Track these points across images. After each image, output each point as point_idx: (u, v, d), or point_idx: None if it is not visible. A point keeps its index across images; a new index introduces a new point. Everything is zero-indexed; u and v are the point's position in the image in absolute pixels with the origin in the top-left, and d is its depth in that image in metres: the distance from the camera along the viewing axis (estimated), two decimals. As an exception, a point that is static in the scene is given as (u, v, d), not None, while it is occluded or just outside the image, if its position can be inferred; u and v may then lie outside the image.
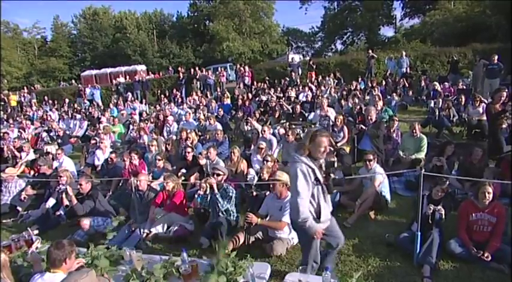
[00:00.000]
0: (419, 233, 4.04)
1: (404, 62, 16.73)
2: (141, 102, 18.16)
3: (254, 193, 5.73)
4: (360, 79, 16.48)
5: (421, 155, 7.01)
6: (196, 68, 20.59)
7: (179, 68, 21.57)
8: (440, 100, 10.75)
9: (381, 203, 5.51)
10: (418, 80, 15.39)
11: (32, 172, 8.55)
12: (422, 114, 11.44)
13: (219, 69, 22.27)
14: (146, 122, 12.24)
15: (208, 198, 5.21)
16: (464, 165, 6.19)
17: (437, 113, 9.52)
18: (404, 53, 17.22)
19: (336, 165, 3.42)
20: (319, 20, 44.57)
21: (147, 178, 6.23)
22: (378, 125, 7.15)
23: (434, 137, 8.82)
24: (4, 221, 6.64)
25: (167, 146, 8.66)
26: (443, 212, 4.26)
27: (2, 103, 20.44)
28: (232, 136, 10.79)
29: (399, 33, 38.91)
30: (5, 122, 15.99)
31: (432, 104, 11.09)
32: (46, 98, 22.01)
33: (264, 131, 8.33)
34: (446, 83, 14.11)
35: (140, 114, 14.73)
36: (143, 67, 30.84)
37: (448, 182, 4.66)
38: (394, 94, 12.99)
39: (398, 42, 34.81)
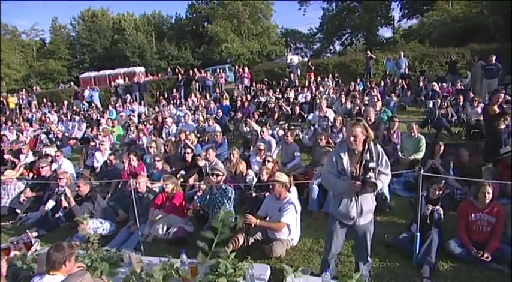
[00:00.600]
0: (418, 234, 4.04)
1: (402, 63, 16.77)
2: (139, 104, 18.15)
3: (253, 194, 5.73)
4: (358, 80, 16.51)
5: (420, 156, 7.02)
6: (195, 70, 20.61)
7: (178, 70, 21.58)
8: (439, 100, 10.77)
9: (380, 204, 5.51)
10: (417, 80, 15.41)
11: (31, 174, 8.54)
12: (421, 115, 11.45)
13: (218, 70, 22.28)
14: (145, 123, 12.24)
15: (207, 198, 5.21)
16: (458, 166, 6.23)
17: (436, 114, 9.54)
18: (402, 54, 17.26)
19: (372, 165, 3.28)
20: (317, 21, 44.64)
21: (146, 180, 6.22)
22: (377, 125, 7.16)
23: (433, 137, 8.83)
24: (3, 223, 6.61)
25: (166, 147, 8.66)
26: (441, 212, 4.27)
27: (1, 105, 20.39)
28: (231, 137, 10.79)
29: (397, 34, 39.03)
30: (3, 125, 15.95)
31: (431, 105, 11.12)
32: (45, 100, 21.99)
33: (263, 132, 8.33)
34: (444, 84, 14.15)
35: (139, 116, 14.73)
36: (142, 69, 30.87)
37: (444, 181, 4.68)
38: (393, 95, 13.02)
39: (397, 43, 34.95)
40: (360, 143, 3.26)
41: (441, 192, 4.53)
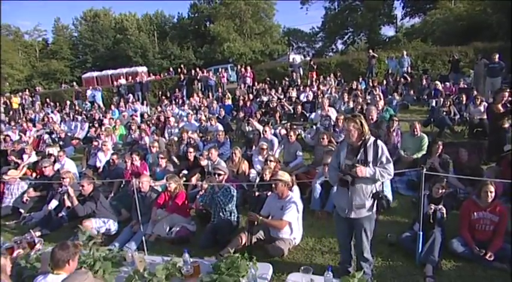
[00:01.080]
0: (421, 233, 4.04)
1: (405, 62, 16.73)
2: (142, 103, 18.17)
3: (256, 193, 5.74)
4: (360, 79, 16.47)
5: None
6: (197, 69, 20.62)
7: (180, 69, 21.58)
8: (442, 99, 10.74)
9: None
10: (419, 79, 15.37)
11: (34, 174, 8.57)
12: (423, 114, 11.42)
13: (220, 70, 22.26)
14: (148, 123, 12.25)
15: (210, 197, 5.21)
16: (457, 165, 6.21)
17: (438, 112, 9.51)
18: (405, 53, 17.22)
19: (347, 162, 3.47)
20: (319, 20, 44.63)
21: (149, 179, 6.23)
22: (379, 124, 7.14)
23: (436, 136, 8.80)
24: (7, 223, 6.67)
25: (169, 146, 8.68)
26: (444, 211, 4.26)
27: (4, 106, 20.48)
28: (234, 137, 10.79)
29: (400, 33, 38.89)
30: (7, 125, 16.03)
31: (433, 103, 11.08)
32: (48, 100, 22.05)
33: (265, 132, 8.33)
34: (447, 82, 14.10)
35: (141, 116, 14.75)
36: (144, 68, 30.85)
37: (445, 180, 4.67)
38: (395, 94, 12.99)
39: (399, 42, 34.81)
40: (354, 138, 3.42)
41: (443, 191, 4.52)
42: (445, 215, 4.26)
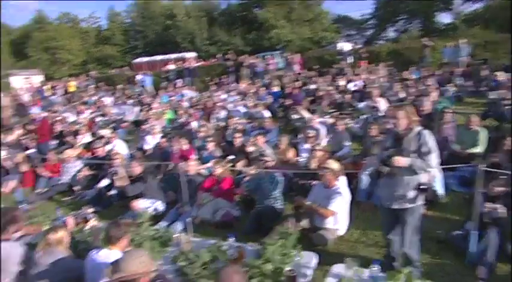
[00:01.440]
0: (474, 232, 3.83)
1: (463, 51, 15.74)
2: (190, 89, 18.47)
3: (300, 182, 5.69)
4: (413, 68, 15.75)
5: (477, 150, 6.60)
6: (245, 55, 20.62)
7: (228, 55, 21.69)
8: (504, 91, 10.02)
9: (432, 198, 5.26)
10: (478, 69, 14.43)
11: (88, 154, 9.01)
12: (480, 106, 10.71)
13: (268, 56, 22.11)
14: (196, 108, 12.46)
15: (255, 183, 5.23)
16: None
17: (498, 106, 8.90)
18: (463, 41, 16.18)
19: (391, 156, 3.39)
20: (370, 6, 42.88)
21: (196, 163, 6.35)
22: (432, 116, 6.81)
23: (494, 131, 8.25)
24: (63, 199, 7.17)
25: (215, 132, 8.79)
26: (504, 211, 4.00)
27: (63, 89, 21.69)
28: (280, 124, 10.72)
29: (458, 19, 36.60)
30: (64, 107, 16.91)
31: (494, 95, 10.37)
32: (101, 84, 22.99)
33: (313, 120, 8.21)
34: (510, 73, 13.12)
35: (189, 101, 15.01)
36: (193, 54, 31.29)
37: (506, 177, 4.37)
38: (451, 84, 12.31)
39: (457, 29, 32.80)
40: (402, 127, 3.38)
41: (503, 189, 4.23)
42: (503, 215, 4.00)
